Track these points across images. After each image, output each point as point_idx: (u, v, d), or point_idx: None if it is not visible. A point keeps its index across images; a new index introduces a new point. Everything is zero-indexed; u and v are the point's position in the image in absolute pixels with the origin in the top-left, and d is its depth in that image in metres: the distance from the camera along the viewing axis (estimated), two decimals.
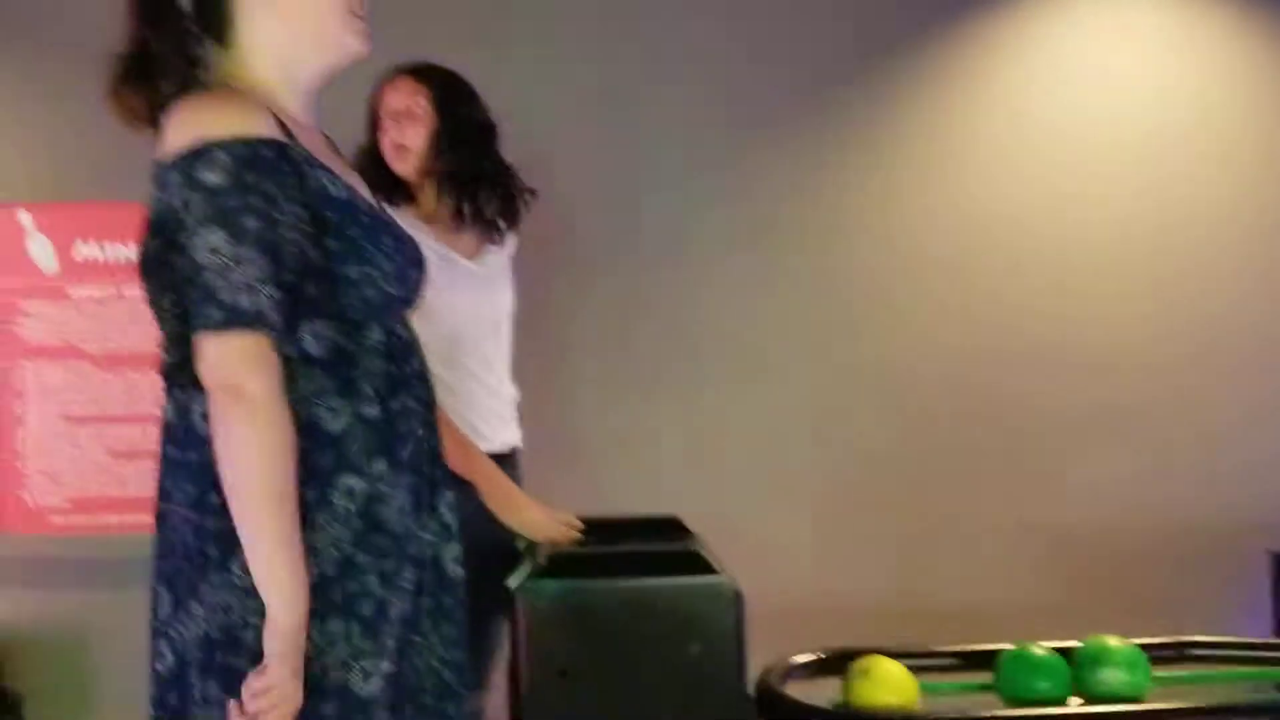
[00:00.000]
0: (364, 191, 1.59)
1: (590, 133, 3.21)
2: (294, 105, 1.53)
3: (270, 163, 1.38)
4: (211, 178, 1.35)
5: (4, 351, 3.01)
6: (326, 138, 1.61)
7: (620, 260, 3.24)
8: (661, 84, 3.25)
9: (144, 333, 3.09)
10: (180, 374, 1.44)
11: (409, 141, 2.33)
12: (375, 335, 1.47)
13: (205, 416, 1.39)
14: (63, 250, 3.03)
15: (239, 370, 1.34)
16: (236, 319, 1.34)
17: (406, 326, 1.55)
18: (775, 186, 3.28)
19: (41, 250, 3.02)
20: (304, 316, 1.41)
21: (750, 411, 3.24)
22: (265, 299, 1.34)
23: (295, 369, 1.41)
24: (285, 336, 1.38)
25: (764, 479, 3.23)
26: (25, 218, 3.02)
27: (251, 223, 1.35)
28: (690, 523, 2.26)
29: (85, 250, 3.03)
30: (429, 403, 1.55)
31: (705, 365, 3.26)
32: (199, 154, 1.37)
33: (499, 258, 2.45)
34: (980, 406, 3.28)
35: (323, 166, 1.46)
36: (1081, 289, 3.30)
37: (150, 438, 3.07)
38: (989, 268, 3.30)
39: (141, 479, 2.96)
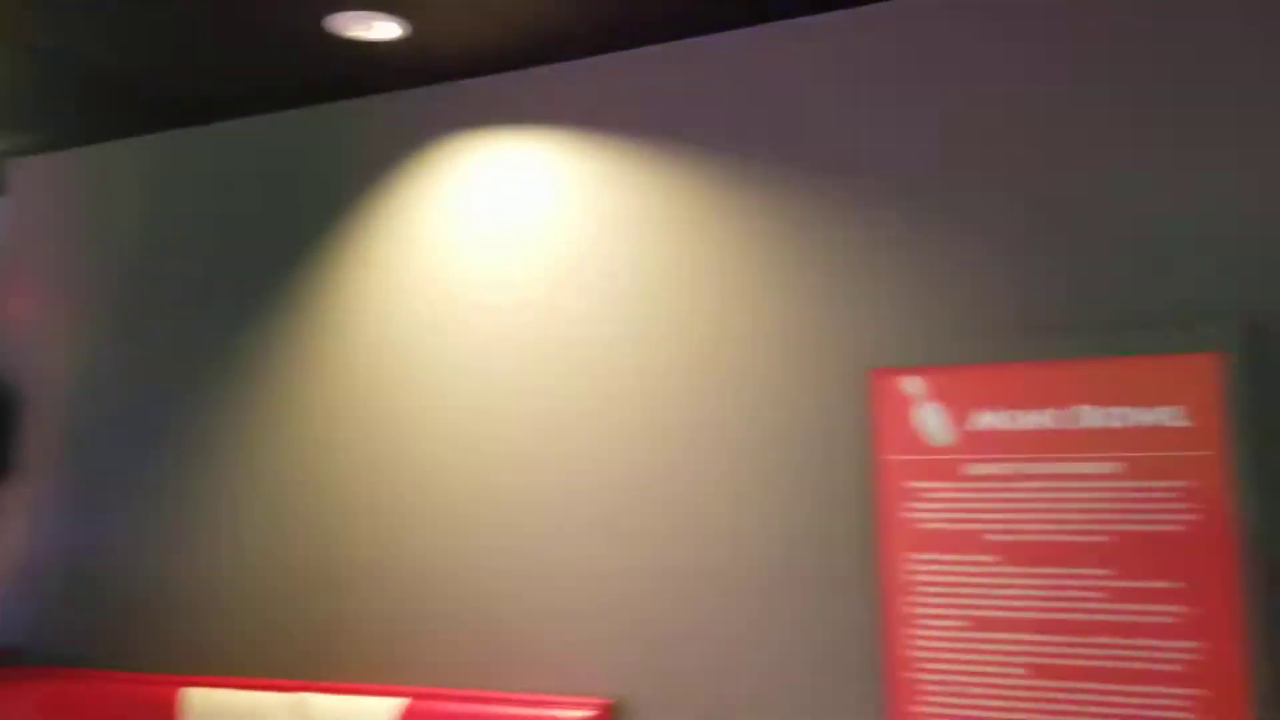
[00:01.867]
0: None
1: None
2: None
3: None
4: None
5: (891, 538, 2.62)
6: None
7: None
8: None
9: (1054, 520, 2.54)
10: None
11: None
12: None
13: None
14: (957, 420, 2.59)
15: None
16: None
17: None
18: None
19: (932, 420, 2.60)
20: None
21: None
22: None
23: None
24: None
25: None
26: (913, 384, 2.64)
27: None
28: None
29: (983, 420, 2.57)
30: None
31: None
32: None
33: None
34: None
35: None
36: None
37: (1081, 653, 2.49)
38: None
39: (1069, 702, 2.37)
